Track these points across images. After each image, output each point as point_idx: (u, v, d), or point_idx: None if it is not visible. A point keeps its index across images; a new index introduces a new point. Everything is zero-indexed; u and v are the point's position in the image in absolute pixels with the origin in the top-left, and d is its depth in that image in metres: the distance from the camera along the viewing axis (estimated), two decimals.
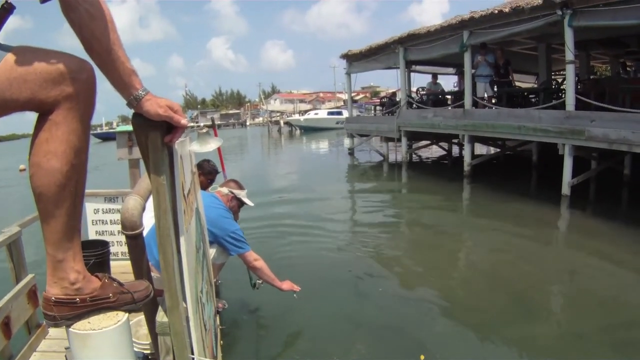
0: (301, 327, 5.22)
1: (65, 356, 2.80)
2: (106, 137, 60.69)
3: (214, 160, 5.78)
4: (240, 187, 4.96)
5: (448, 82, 19.78)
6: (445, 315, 5.52)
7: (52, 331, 3.88)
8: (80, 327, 1.71)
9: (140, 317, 3.47)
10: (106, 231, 5.60)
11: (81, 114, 1.61)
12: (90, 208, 5.52)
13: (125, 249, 5.23)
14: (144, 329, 3.20)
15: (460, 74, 17.96)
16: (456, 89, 18.79)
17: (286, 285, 4.90)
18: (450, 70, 21.30)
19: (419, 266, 7.39)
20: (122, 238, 5.38)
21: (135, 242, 1.98)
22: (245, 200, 4.92)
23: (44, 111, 1.57)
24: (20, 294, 3.40)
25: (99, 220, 5.60)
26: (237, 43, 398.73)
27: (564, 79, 13.68)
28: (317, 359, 4.52)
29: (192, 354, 2.06)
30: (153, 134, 1.74)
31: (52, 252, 1.65)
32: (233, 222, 4.66)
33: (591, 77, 18.54)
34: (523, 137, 12.64)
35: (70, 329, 1.71)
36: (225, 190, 4.84)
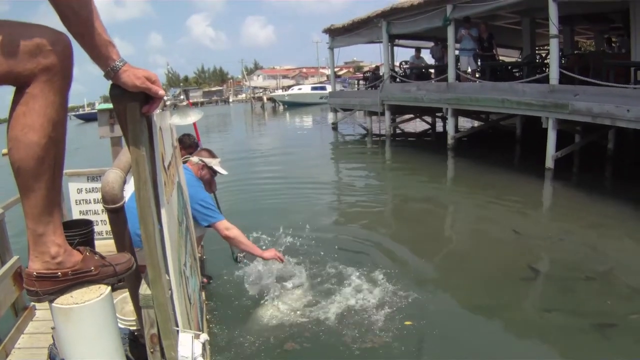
0: (287, 300, 5.21)
1: (52, 336, 2.79)
2: (88, 118, 60.03)
3: (190, 131, 5.76)
4: (213, 156, 4.85)
5: (430, 56, 19.71)
6: (428, 282, 5.58)
7: (39, 313, 3.87)
8: (63, 301, 1.70)
9: (126, 294, 3.46)
10: (90, 210, 5.56)
11: (58, 86, 1.60)
12: (73, 188, 5.48)
13: (109, 227, 5.20)
14: (130, 306, 3.20)
15: (436, 42, 17.92)
16: (433, 59, 18.79)
17: (269, 253, 4.75)
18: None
19: (402, 235, 7.41)
20: (107, 217, 5.35)
21: (117, 216, 1.97)
22: (218, 168, 4.79)
23: (21, 84, 1.56)
24: (5, 276, 3.38)
25: (83, 199, 5.57)
26: (216, 20, 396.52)
27: (548, 53, 13.69)
28: (304, 332, 4.53)
29: (177, 326, 2.06)
30: (131, 105, 1.73)
31: (33, 227, 1.65)
32: (201, 191, 4.55)
33: (575, 52, 18.54)
34: (507, 111, 12.67)
35: (53, 304, 1.70)
36: (195, 159, 4.73)
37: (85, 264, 1.77)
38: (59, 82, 1.60)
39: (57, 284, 1.71)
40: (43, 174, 1.60)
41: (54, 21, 1.62)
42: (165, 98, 1.96)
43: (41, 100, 1.56)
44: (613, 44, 15.83)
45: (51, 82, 1.57)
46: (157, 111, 1.88)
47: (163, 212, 1.98)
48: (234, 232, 4.51)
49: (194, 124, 5.51)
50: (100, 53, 1.64)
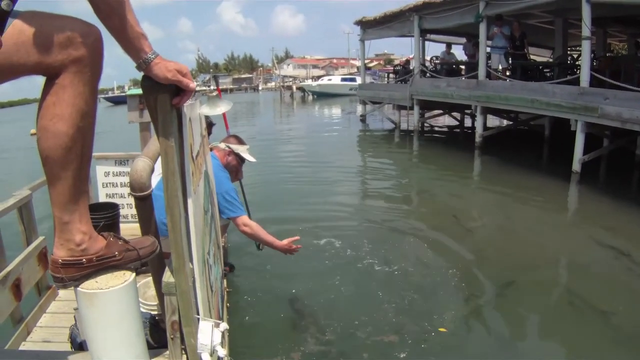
0: (309, 290, 5.24)
1: (74, 317, 2.84)
2: (118, 101, 60.92)
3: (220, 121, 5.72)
4: (241, 143, 4.64)
5: (462, 52, 19.57)
6: (455, 285, 5.48)
7: (62, 293, 3.94)
8: (88, 286, 1.73)
9: (148, 278, 3.52)
10: (116, 194, 5.62)
11: (88, 78, 1.61)
12: (100, 171, 5.54)
13: (135, 211, 5.22)
14: (152, 291, 3.25)
15: (469, 38, 17.77)
16: (465, 56, 18.64)
17: (286, 247, 4.54)
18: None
19: (426, 234, 7.32)
20: (132, 200, 5.35)
21: (144, 204, 1.99)
22: (246, 155, 4.58)
23: (52, 75, 1.57)
24: (30, 256, 3.44)
25: (109, 183, 5.63)
26: (246, 7, 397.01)
27: (580, 55, 13.48)
28: (326, 325, 4.53)
29: (198, 314, 2.09)
30: (162, 97, 1.75)
31: (59, 214, 1.68)
32: (226, 182, 4.38)
33: (607, 54, 18.21)
34: (536, 111, 12.49)
35: (78, 288, 1.73)
36: (222, 145, 4.53)
37: (109, 249, 1.80)
38: (88, 74, 1.61)
39: (81, 270, 1.74)
40: (70, 163, 1.62)
41: (80, 7, 1.63)
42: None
43: (70, 91, 1.58)
44: None
45: (81, 73, 1.59)
46: (188, 102, 1.90)
47: (190, 202, 2.00)
48: (251, 228, 4.35)
49: (224, 113, 5.48)
50: (132, 45, 1.66)
